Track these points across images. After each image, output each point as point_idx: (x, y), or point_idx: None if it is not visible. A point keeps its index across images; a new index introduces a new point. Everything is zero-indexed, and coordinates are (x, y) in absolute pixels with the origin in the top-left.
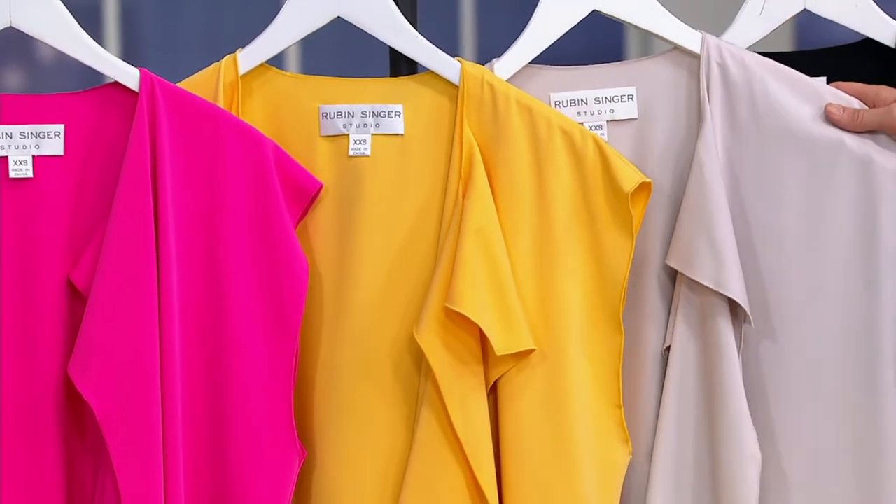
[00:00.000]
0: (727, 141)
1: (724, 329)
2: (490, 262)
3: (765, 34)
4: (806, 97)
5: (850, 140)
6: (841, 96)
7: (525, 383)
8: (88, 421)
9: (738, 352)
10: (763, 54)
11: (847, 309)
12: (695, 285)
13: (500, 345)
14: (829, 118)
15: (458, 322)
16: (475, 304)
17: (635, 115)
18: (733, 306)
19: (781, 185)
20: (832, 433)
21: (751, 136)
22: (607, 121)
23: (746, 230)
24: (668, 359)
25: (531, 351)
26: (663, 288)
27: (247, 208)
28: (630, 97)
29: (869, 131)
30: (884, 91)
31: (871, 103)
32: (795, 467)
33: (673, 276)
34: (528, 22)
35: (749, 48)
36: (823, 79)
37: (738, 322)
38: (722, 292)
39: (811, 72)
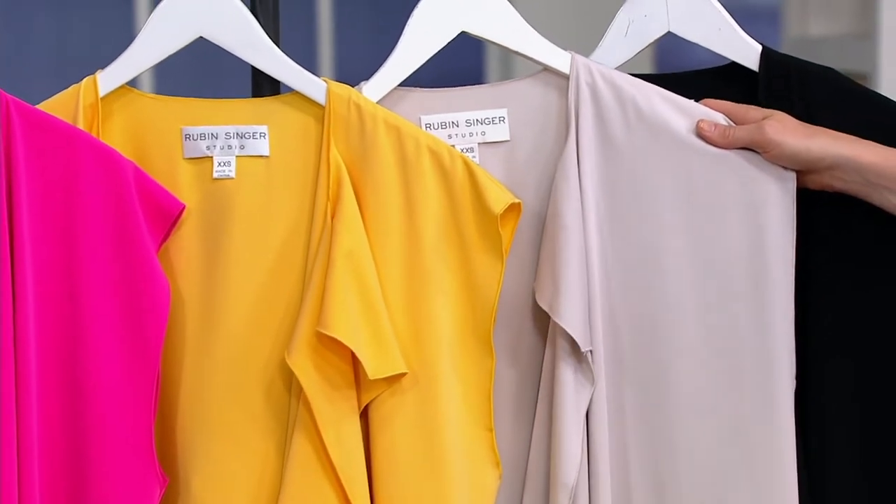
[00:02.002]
0: (601, 161)
1: (563, 357)
2: (360, 285)
3: (630, 56)
4: (681, 114)
5: (733, 155)
6: (709, 113)
7: (397, 407)
8: None
9: (589, 383)
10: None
11: (735, 331)
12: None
13: (373, 369)
14: (700, 135)
15: (329, 346)
16: (347, 328)
17: (507, 137)
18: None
19: (661, 203)
20: (721, 461)
21: (626, 155)
22: (479, 143)
23: (627, 251)
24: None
25: (403, 374)
26: (535, 311)
27: (106, 231)
28: (501, 119)
29: (739, 148)
30: (752, 110)
31: (739, 122)
32: (685, 494)
33: (525, 301)
34: (388, 42)
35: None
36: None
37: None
38: (554, 318)
39: (677, 94)
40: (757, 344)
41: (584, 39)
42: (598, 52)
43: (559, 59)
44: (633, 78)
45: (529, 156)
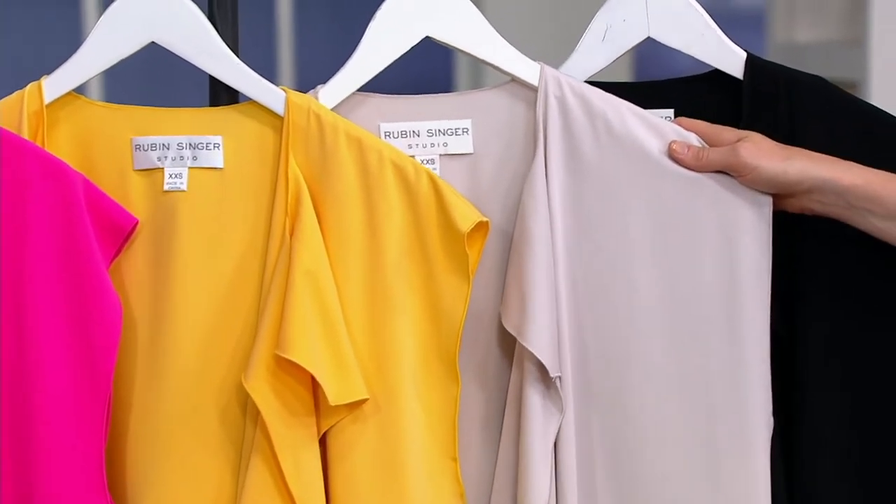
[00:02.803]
0: (568, 179)
1: (531, 382)
2: (321, 306)
3: (608, 62)
4: (652, 132)
5: (706, 178)
6: (682, 133)
7: (358, 435)
8: None
9: (558, 410)
10: (605, 85)
11: (706, 359)
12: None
13: (334, 394)
14: (672, 157)
15: (288, 370)
16: (307, 352)
17: (470, 150)
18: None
19: (631, 225)
20: (690, 493)
21: (595, 173)
22: (440, 154)
23: (595, 273)
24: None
25: (364, 400)
26: (501, 333)
27: (54, 247)
28: (465, 130)
29: (712, 171)
30: (726, 132)
31: (713, 143)
32: None
33: (493, 324)
34: (351, 47)
35: (591, 77)
36: (671, 111)
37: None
38: (522, 342)
39: (657, 104)
40: (729, 373)
41: (559, 44)
42: (574, 58)
43: (527, 69)
44: (604, 93)
45: (494, 170)
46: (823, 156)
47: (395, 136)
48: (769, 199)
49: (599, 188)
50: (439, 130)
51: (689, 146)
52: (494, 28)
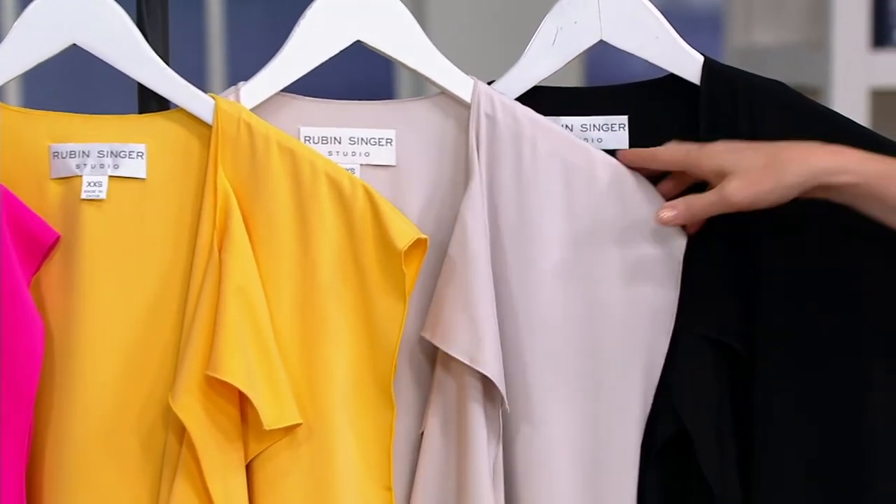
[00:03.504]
0: (489, 203)
1: (476, 411)
2: (254, 324)
3: (558, 67)
4: (580, 161)
5: (627, 211)
6: (611, 162)
7: (289, 462)
8: None
9: (498, 436)
10: (556, 90)
11: (620, 384)
12: (451, 361)
13: (270, 418)
14: (662, 223)
15: (219, 390)
16: (242, 372)
17: (393, 162)
18: (489, 387)
19: (545, 253)
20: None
21: (514, 199)
22: (361, 164)
23: (507, 299)
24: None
25: (297, 426)
26: (416, 359)
27: None
28: (388, 141)
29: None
30: (704, 162)
31: (694, 170)
32: None
33: (431, 347)
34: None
35: (541, 82)
36: (625, 118)
37: (496, 404)
38: (478, 369)
39: (610, 110)
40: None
41: (507, 47)
42: (523, 62)
43: (460, 84)
44: (535, 115)
45: (418, 186)
46: (818, 152)
47: (315, 141)
48: (682, 242)
49: (519, 214)
50: (361, 139)
51: (675, 206)
52: (438, 30)
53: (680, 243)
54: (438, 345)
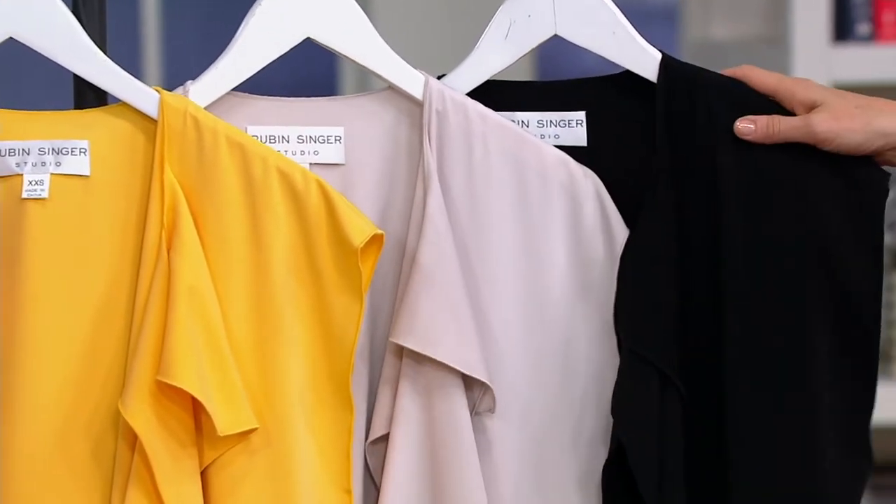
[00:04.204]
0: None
1: (461, 415)
2: (206, 326)
3: (511, 61)
4: (531, 157)
5: (570, 211)
6: (566, 159)
7: (245, 468)
8: None
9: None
10: (511, 85)
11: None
12: (425, 363)
13: (224, 424)
14: (739, 135)
15: (171, 396)
16: (194, 377)
17: (342, 160)
18: (470, 388)
19: (496, 251)
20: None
21: (465, 197)
22: (310, 163)
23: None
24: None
25: (253, 430)
26: (363, 359)
27: None
28: (337, 139)
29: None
30: (799, 92)
31: (786, 96)
32: None
33: (380, 348)
34: (224, 44)
35: (494, 77)
36: (582, 114)
37: (471, 400)
38: (474, 375)
39: (568, 105)
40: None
41: (458, 40)
42: (474, 56)
43: (411, 80)
44: (487, 111)
45: (368, 183)
46: None
47: (263, 140)
48: (625, 234)
49: (470, 213)
50: (310, 137)
51: (755, 119)
52: (387, 22)
53: (622, 239)
54: (421, 350)
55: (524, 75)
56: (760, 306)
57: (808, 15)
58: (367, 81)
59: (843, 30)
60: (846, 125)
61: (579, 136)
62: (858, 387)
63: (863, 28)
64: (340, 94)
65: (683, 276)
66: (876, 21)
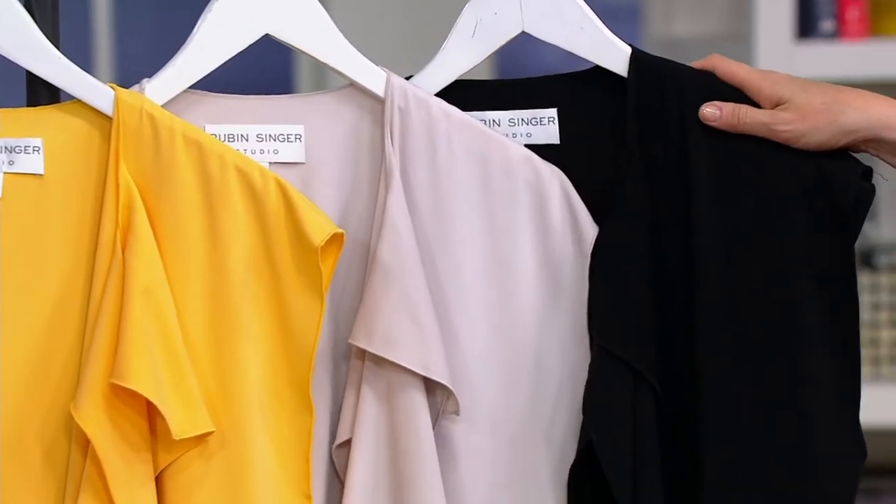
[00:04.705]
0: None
1: (422, 420)
2: (161, 328)
3: (479, 60)
4: (496, 155)
5: (534, 207)
6: (532, 157)
7: (202, 472)
8: None
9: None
10: (480, 84)
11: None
12: (385, 366)
13: (179, 427)
14: (704, 120)
15: (125, 399)
16: (148, 380)
17: (302, 159)
18: (432, 392)
19: (461, 252)
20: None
21: (428, 204)
22: (270, 162)
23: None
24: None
25: (209, 434)
26: (323, 362)
27: None
28: (297, 137)
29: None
30: (765, 88)
31: (752, 92)
32: None
33: (343, 352)
34: (177, 39)
35: (462, 76)
36: (553, 111)
37: (435, 404)
38: (434, 378)
39: (539, 103)
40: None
41: (422, 41)
42: (441, 57)
43: (372, 77)
44: (451, 108)
45: (328, 183)
46: (878, 102)
47: (222, 139)
48: (594, 231)
49: (434, 211)
50: (270, 135)
51: (722, 107)
52: (351, 24)
53: (591, 236)
54: (380, 353)
55: (485, 74)
56: (735, 301)
57: (771, 11)
58: (324, 80)
59: (806, 27)
60: (811, 124)
61: (552, 134)
62: (844, 383)
63: (827, 25)
64: (296, 93)
65: (657, 272)
66: (840, 18)
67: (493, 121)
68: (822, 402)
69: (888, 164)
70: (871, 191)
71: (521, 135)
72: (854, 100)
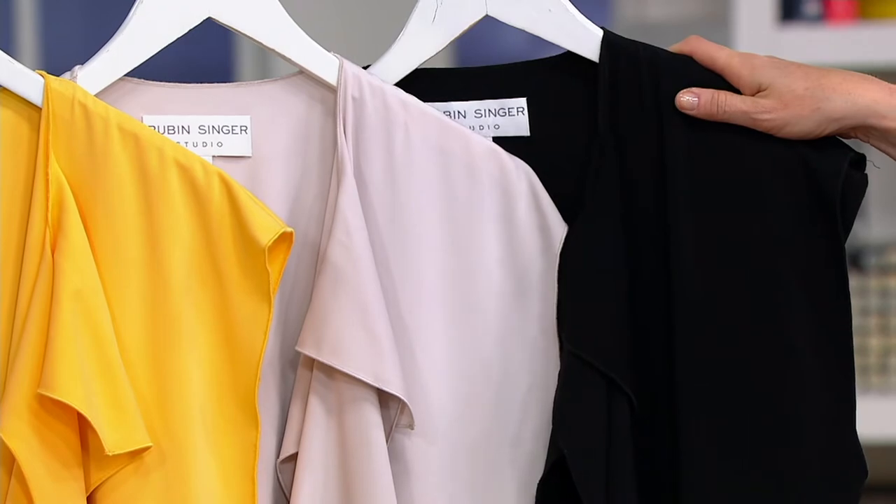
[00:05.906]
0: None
1: (372, 427)
2: (94, 334)
3: (440, 47)
4: (457, 146)
5: (499, 201)
6: (495, 149)
7: (138, 490)
8: None
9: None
10: (442, 73)
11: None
12: (336, 376)
13: (112, 442)
14: (680, 108)
15: (53, 411)
16: (79, 391)
17: (248, 153)
18: (385, 402)
19: (421, 251)
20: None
21: (384, 198)
22: (213, 156)
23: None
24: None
25: (147, 449)
26: (272, 370)
27: None
28: (243, 129)
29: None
30: (745, 75)
31: (732, 78)
32: None
33: (292, 360)
34: (108, 25)
35: (423, 65)
36: (523, 100)
37: (388, 417)
38: (386, 390)
39: (507, 92)
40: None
41: (382, 27)
42: (400, 44)
43: (324, 64)
44: (408, 98)
45: (277, 178)
46: (865, 86)
47: (161, 130)
48: (563, 230)
49: (391, 206)
50: (213, 127)
51: (700, 94)
52: (301, 7)
53: (560, 235)
54: (329, 362)
55: (447, 62)
56: (715, 303)
57: None
58: (269, 68)
59: (790, 9)
60: (794, 112)
61: (521, 125)
62: (836, 394)
63: (812, 8)
64: (240, 82)
65: (631, 273)
66: (826, 1)
67: (458, 112)
68: (811, 415)
69: (880, 151)
70: (863, 181)
71: (489, 126)
72: (840, 84)
